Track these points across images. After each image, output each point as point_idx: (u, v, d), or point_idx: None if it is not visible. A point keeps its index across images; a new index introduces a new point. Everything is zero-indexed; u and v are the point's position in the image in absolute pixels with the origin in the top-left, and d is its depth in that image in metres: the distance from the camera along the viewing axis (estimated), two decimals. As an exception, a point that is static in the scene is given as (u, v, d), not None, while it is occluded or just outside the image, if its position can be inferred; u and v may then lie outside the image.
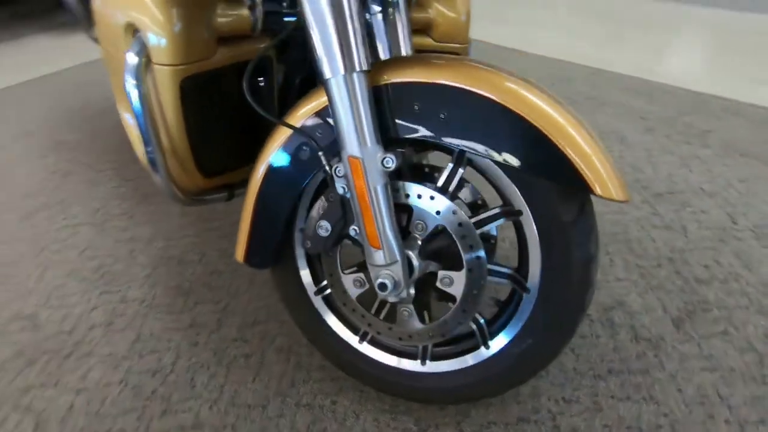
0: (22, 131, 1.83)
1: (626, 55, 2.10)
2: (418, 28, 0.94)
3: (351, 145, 0.57)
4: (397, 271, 0.62)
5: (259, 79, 0.79)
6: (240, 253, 0.75)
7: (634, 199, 1.24)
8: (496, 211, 0.64)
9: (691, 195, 1.25)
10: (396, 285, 0.63)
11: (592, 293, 0.65)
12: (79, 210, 1.38)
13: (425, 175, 0.72)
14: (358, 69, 0.55)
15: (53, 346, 0.97)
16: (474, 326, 0.72)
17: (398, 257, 0.62)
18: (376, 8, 0.74)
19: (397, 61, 0.63)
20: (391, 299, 0.66)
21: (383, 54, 0.76)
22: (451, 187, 0.64)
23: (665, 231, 1.14)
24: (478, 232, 0.64)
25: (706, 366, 0.85)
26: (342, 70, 0.54)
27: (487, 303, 0.93)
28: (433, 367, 0.76)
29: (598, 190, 0.54)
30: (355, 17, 0.55)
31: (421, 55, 0.70)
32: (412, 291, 0.69)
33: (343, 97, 0.55)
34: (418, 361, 0.76)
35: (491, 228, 0.66)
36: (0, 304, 1.07)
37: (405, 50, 0.77)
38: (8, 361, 0.94)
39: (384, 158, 0.57)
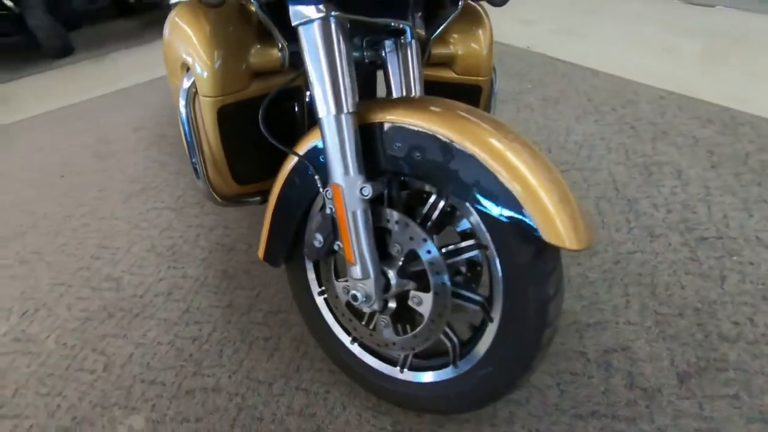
0: (137, 125, 2.22)
1: (711, 78, 1.91)
2: (441, 62, 1.00)
3: (336, 174, 0.67)
4: (369, 285, 0.71)
5: (293, 105, 0.93)
6: (260, 251, 0.90)
7: (673, 240, 1.17)
8: (466, 244, 0.70)
9: (742, 243, 1.14)
10: (367, 298, 0.72)
11: (550, 333, 0.68)
12: (166, 196, 1.66)
13: (417, 204, 0.80)
14: (345, 111, 0.65)
15: (127, 305, 1.22)
16: (449, 345, 0.78)
17: (371, 274, 0.71)
18: (390, 47, 0.83)
19: (392, 102, 0.71)
20: (365, 309, 0.75)
21: (395, 92, 0.86)
22: (434, 216, 0.72)
23: (699, 279, 1.07)
24: (450, 260, 0.70)
25: (702, 427, 0.81)
26: (333, 111, 0.65)
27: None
28: (409, 375, 0.84)
29: (546, 236, 0.58)
30: (346, 68, 0.65)
31: (414, 99, 0.79)
32: (393, 304, 0.78)
33: (331, 134, 0.65)
34: (398, 368, 0.85)
35: (464, 258, 0.72)
36: (97, 267, 1.36)
37: (415, 88, 0.85)
38: (95, 313, 1.21)
39: (363, 187, 0.67)
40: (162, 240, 1.44)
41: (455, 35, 0.98)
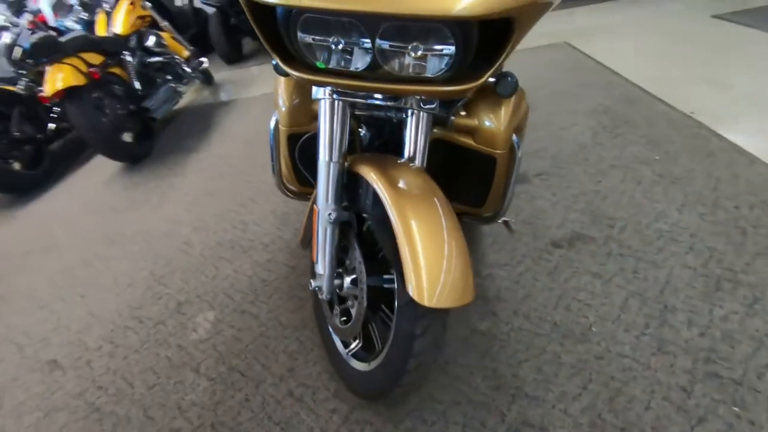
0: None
1: None
2: (465, 130, 1.17)
3: (318, 199, 1.00)
4: (323, 280, 1.03)
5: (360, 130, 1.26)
6: (299, 238, 1.30)
7: (680, 363, 1.08)
8: (385, 276, 0.95)
9: (762, 399, 0.98)
10: (320, 289, 1.04)
11: (415, 362, 0.89)
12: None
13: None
14: (333, 160, 0.96)
15: (242, 243, 1.80)
16: (377, 345, 1.04)
17: (326, 272, 1.02)
18: (408, 114, 1.04)
19: (370, 158, 0.98)
20: (321, 296, 1.06)
21: (405, 151, 1.10)
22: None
23: (673, 410, 1.00)
24: (369, 283, 0.97)
25: None
26: (325, 158, 0.97)
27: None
28: (350, 358, 1.12)
29: (410, 291, 0.79)
30: (338, 133, 0.95)
31: (387, 160, 1.01)
32: (351, 303, 1.08)
33: (321, 173, 0.98)
34: (347, 350, 1.14)
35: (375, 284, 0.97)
36: (240, 214, 2.00)
37: (417, 153, 1.07)
38: (226, 242, 1.83)
39: (330, 213, 0.98)
40: (281, 207, 2.00)
41: (479, 109, 1.14)
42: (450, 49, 0.72)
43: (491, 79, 1.07)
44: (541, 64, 3.08)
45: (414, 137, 1.03)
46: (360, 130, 1.25)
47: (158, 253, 1.87)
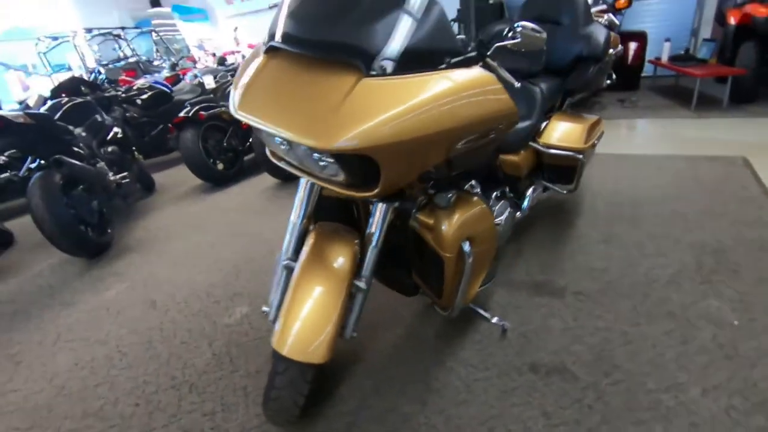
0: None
1: None
2: (425, 226, 1.28)
3: (283, 248, 1.31)
4: (271, 311, 1.33)
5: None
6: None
7: None
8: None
9: None
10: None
11: (276, 398, 1.09)
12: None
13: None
14: (297, 221, 1.27)
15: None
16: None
17: (272, 308, 1.32)
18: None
19: (327, 228, 1.25)
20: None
21: (369, 230, 1.30)
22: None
23: None
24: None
25: None
26: (292, 218, 1.28)
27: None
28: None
29: (274, 343, 1.05)
30: (305, 199, 1.25)
31: (336, 233, 1.24)
32: None
33: (288, 230, 1.29)
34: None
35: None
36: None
37: (374, 237, 1.25)
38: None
39: (286, 262, 1.28)
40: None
41: (437, 210, 1.25)
42: (330, 161, 0.95)
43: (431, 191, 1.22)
44: (686, 176, 2.71)
45: (375, 220, 1.22)
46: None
47: (253, 256, 2.45)
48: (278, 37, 1.00)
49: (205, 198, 3.58)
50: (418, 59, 0.92)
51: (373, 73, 0.90)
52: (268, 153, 1.23)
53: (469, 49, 1.06)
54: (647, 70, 5.19)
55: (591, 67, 1.94)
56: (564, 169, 1.96)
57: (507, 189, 1.82)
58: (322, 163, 1.00)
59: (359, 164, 0.93)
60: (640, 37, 4.87)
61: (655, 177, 2.76)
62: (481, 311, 1.64)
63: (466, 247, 1.25)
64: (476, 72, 1.02)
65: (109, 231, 2.81)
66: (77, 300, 2.23)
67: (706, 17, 5.27)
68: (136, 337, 1.87)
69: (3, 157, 2.83)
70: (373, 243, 1.20)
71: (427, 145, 0.95)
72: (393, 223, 1.31)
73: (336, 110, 0.87)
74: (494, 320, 1.60)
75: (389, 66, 0.90)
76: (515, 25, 1.18)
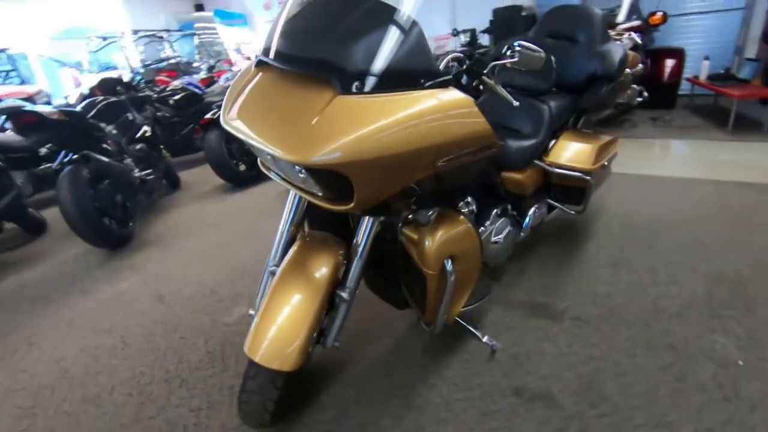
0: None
1: None
2: (411, 241, 1.28)
3: (270, 253, 1.34)
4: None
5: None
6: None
7: None
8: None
9: None
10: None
11: (247, 401, 1.11)
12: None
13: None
14: (286, 229, 1.30)
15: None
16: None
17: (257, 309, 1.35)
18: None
19: (312, 237, 1.28)
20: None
21: (356, 240, 1.32)
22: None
23: None
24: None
25: None
26: (281, 226, 1.32)
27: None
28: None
29: (247, 348, 1.08)
30: (293, 208, 1.28)
31: (323, 243, 1.26)
32: None
33: (277, 236, 1.33)
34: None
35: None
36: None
37: (360, 248, 1.26)
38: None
39: (272, 267, 1.31)
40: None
41: (421, 227, 1.25)
42: (305, 174, 0.98)
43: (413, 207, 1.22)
44: (712, 201, 2.58)
45: (361, 232, 1.24)
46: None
47: (261, 257, 2.51)
48: (270, 52, 1.03)
49: (225, 198, 3.69)
50: (395, 78, 0.93)
51: (353, 90, 0.91)
52: (259, 163, 1.27)
53: (444, 70, 1.08)
54: (685, 88, 4.97)
55: (605, 86, 1.89)
56: (572, 189, 1.91)
57: (509, 207, 1.79)
58: (301, 175, 1.02)
59: (334, 179, 0.95)
60: (678, 54, 4.68)
61: (678, 200, 2.64)
62: (473, 329, 1.62)
63: (449, 265, 1.24)
64: (451, 94, 1.02)
65: (130, 225, 2.94)
66: (94, 289, 2.35)
67: (753, 36, 5.00)
68: (140, 329, 1.95)
69: (44, 149, 3.04)
70: (358, 254, 1.22)
71: (401, 163, 0.95)
72: (383, 235, 1.33)
73: (310, 126, 0.89)
74: (485, 339, 1.57)
75: (368, 84, 0.92)
76: (514, 43, 1.18)
